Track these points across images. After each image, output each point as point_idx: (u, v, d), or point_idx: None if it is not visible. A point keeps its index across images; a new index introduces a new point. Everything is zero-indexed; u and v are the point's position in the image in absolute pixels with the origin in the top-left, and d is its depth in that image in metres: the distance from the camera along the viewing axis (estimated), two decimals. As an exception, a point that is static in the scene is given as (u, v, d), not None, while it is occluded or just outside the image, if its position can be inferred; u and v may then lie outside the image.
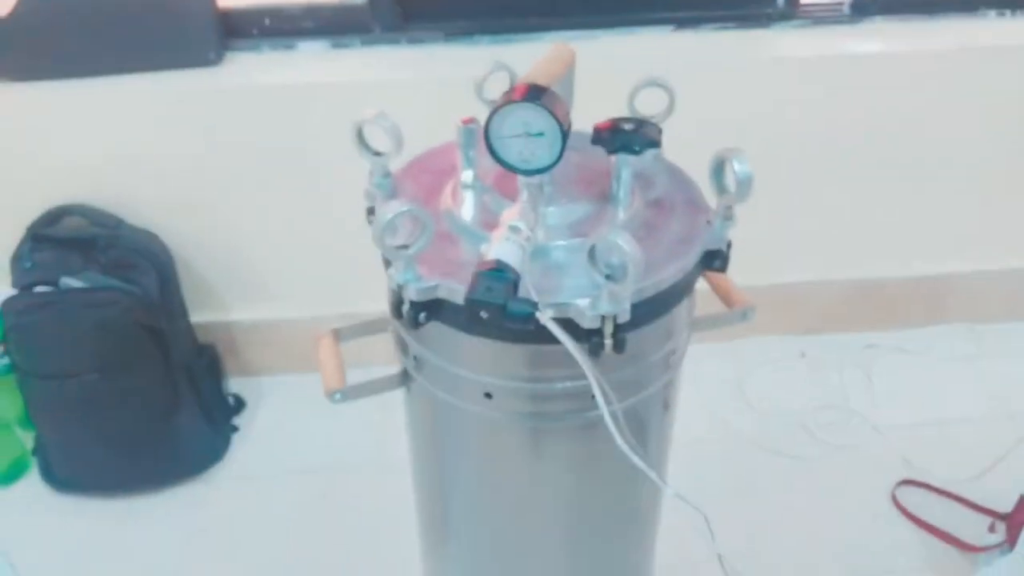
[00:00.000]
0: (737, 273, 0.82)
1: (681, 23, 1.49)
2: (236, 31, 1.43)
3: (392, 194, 0.76)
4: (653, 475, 0.64)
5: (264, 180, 1.49)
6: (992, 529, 1.34)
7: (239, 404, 1.61)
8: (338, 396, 0.75)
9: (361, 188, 0.78)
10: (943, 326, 1.77)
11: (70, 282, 1.37)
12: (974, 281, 1.75)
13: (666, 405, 0.81)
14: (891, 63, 1.48)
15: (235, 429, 1.57)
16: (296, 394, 1.62)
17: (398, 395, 0.83)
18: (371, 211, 0.78)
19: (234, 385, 1.64)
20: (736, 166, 0.66)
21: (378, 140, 0.75)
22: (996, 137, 1.57)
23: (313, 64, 1.45)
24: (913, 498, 1.42)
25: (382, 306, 0.82)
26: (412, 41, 1.46)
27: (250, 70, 1.43)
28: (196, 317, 1.56)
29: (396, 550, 1.13)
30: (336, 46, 1.46)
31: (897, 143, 1.56)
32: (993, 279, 1.75)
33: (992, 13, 1.53)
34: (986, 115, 1.55)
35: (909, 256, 1.70)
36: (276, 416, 1.60)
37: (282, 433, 1.56)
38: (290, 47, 1.45)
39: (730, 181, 0.68)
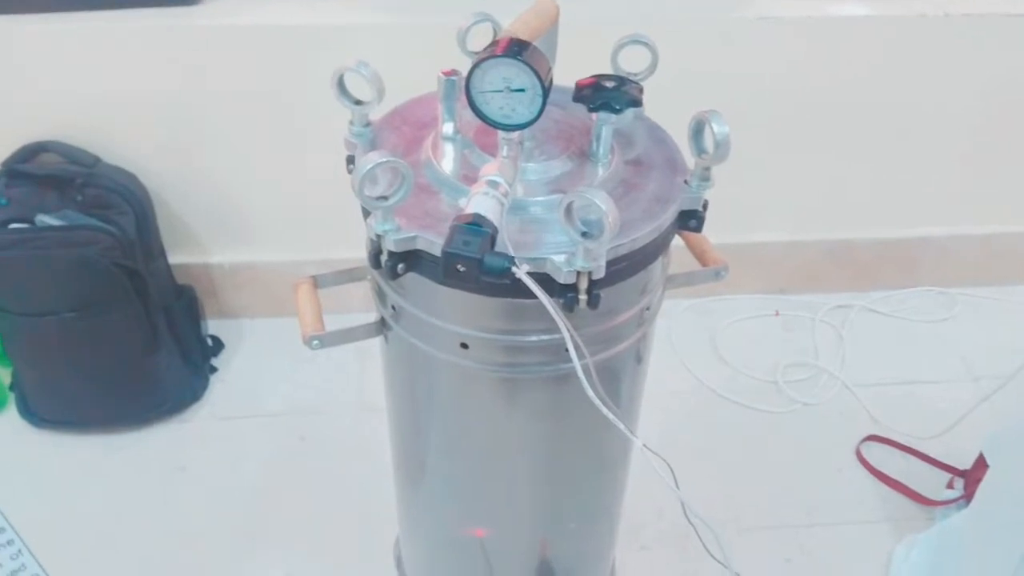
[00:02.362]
0: (714, 232, 0.83)
1: (669, -23, 1.48)
2: (217, -32, 1.40)
3: (372, 144, 0.76)
4: (622, 426, 0.66)
5: (244, 122, 1.47)
6: (951, 485, 1.40)
7: (217, 345, 1.62)
8: (316, 342, 0.76)
9: (341, 131, 0.78)
10: (915, 289, 1.81)
11: (46, 219, 1.36)
12: (946, 245, 1.78)
13: (639, 359, 0.83)
14: (874, 26, 1.48)
15: (214, 370, 1.58)
16: (274, 337, 1.64)
17: (375, 341, 0.85)
18: (351, 160, 0.78)
19: (212, 327, 1.64)
20: (715, 127, 0.66)
21: (359, 88, 0.75)
22: (972, 104, 1.59)
23: (295, 6, 1.42)
24: (877, 453, 1.47)
25: (361, 253, 0.82)
26: (397, -15, 1.44)
27: (231, 10, 1.40)
28: (174, 258, 1.55)
29: (372, 490, 1.16)
30: (320, -13, 1.44)
31: (874, 108, 1.56)
32: (965, 244, 1.78)
33: (977, -22, 1.53)
34: (963, 82, 1.56)
35: (883, 219, 1.73)
36: (254, 358, 1.62)
37: (260, 375, 1.58)
38: (273, -13, 1.43)
39: (708, 142, 0.68)
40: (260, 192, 1.56)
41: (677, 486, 0.70)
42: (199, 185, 1.53)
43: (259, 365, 1.60)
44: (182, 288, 1.57)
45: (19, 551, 1.01)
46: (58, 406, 1.47)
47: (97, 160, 1.43)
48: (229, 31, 1.38)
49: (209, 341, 1.62)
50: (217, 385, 1.56)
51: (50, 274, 1.34)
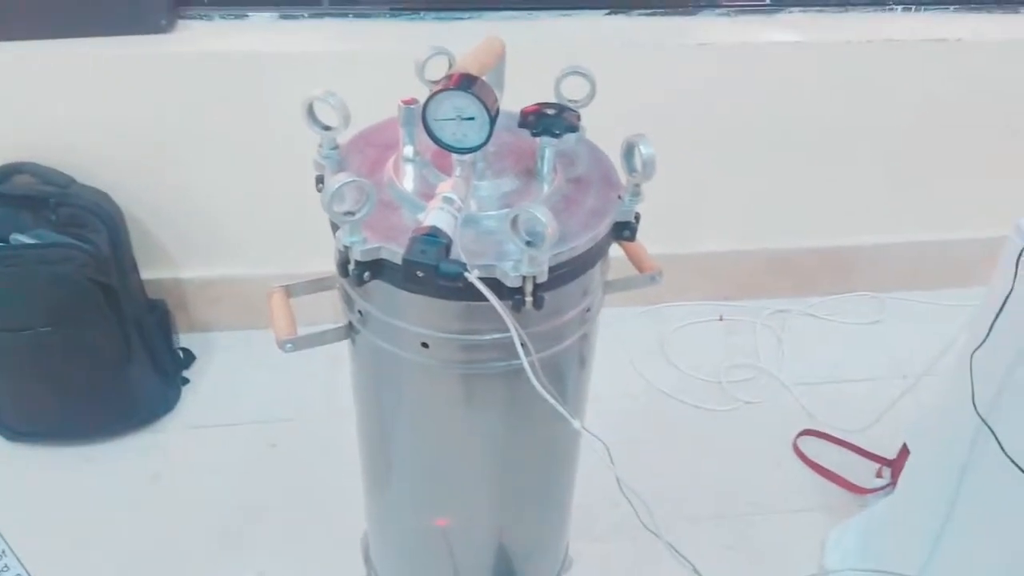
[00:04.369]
0: (661, 243, 0.92)
1: (614, 7, 1.58)
2: (187, -1, 1.47)
3: (340, 165, 0.84)
4: (563, 411, 0.74)
5: (214, 144, 1.54)
6: (879, 474, 1.50)
7: (189, 357, 1.68)
8: (289, 345, 0.83)
9: (308, 152, 0.85)
10: (849, 294, 1.93)
11: (21, 239, 1.42)
12: (878, 253, 1.90)
13: (581, 360, 0.92)
14: (805, 51, 1.60)
15: (186, 381, 1.63)
16: (245, 349, 1.70)
17: (341, 354, 0.92)
18: (320, 180, 0.85)
19: (184, 340, 1.70)
20: (642, 149, 0.76)
21: (327, 115, 0.83)
22: (898, 123, 1.71)
23: (263, 34, 1.50)
24: (812, 447, 1.57)
25: (326, 267, 0.90)
26: (359, 15, 1.52)
27: (200, 37, 1.47)
28: (146, 274, 1.61)
29: (341, 492, 1.23)
30: (284, 17, 1.51)
31: (809, 126, 1.68)
32: (895, 252, 1.91)
33: (899, 8, 1.67)
34: (890, 102, 1.68)
35: (820, 230, 1.85)
36: (226, 369, 1.67)
37: (232, 385, 1.64)
38: (241, 16, 1.50)
39: (638, 162, 0.78)
40: (229, 210, 1.62)
41: (612, 462, 0.79)
42: (170, 203, 1.59)
43: (230, 376, 1.66)
44: (154, 302, 1.62)
45: (2, 551, 1.06)
46: (32, 419, 1.51)
47: (71, 181, 1.49)
48: (200, 57, 1.45)
49: (180, 354, 1.67)
50: (189, 396, 1.61)
51: (26, 290, 1.38)
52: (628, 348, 1.75)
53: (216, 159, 1.55)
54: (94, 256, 1.41)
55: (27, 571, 1.05)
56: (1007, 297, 1.00)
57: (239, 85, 1.48)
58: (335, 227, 0.76)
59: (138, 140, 1.51)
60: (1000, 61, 1.66)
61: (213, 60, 1.46)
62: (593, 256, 0.79)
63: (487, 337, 0.80)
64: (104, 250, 1.45)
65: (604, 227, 0.79)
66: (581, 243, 0.76)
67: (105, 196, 1.52)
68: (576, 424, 0.77)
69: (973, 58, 1.65)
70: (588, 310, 0.85)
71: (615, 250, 0.86)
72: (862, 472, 1.51)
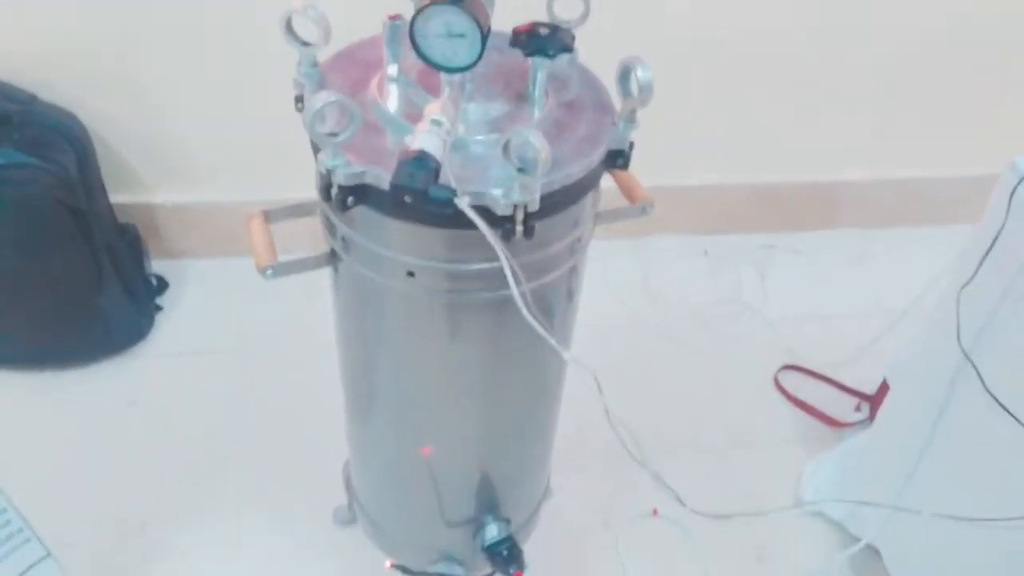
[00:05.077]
0: (646, 176, 0.89)
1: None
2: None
3: (320, 84, 0.80)
4: (552, 341, 0.73)
5: (187, 61, 1.47)
6: (858, 408, 1.52)
7: (162, 285, 1.64)
8: (269, 272, 0.80)
9: (285, 73, 0.81)
10: (835, 230, 1.92)
11: (-16, 158, 1.36)
12: (864, 189, 1.89)
13: (570, 292, 0.90)
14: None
15: (159, 308, 1.60)
16: (219, 277, 1.66)
17: (316, 283, 0.89)
18: (299, 99, 0.81)
19: (156, 267, 1.66)
20: (639, 73, 0.72)
21: (307, 30, 0.78)
22: (887, 56, 1.68)
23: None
24: (793, 381, 1.58)
25: (305, 194, 0.87)
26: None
27: (171, -55, 1.39)
28: (115, 198, 1.56)
29: (322, 420, 1.22)
30: (260, -75, 1.43)
31: (797, 58, 1.65)
32: (883, 187, 1.90)
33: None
34: (880, 33, 1.64)
35: (806, 163, 1.82)
36: (200, 297, 1.65)
37: (206, 313, 1.61)
38: (214, -77, 1.42)
39: (634, 87, 0.74)
40: (202, 132, 1.57)
41: (601, 392, 0.78)
42: (140, 124, 1.54)
43: (205, 304, 1.63)
44: (125, 227, 1.58)
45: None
46: (3, 345, 1.48)
47: (33, 97, 1.42)
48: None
49: (154, 280, 1.64)
50: (163, 323, 1.59)
51: (-9, 212, 1.34)
52: (610, 282, 1.74)
53: (189, 78, 1.49)
54: (61, 178, 1.36)
55: (0, 492, 1.03)
56: (998, 234, 0.99)
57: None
58: (316, 149, 0.72)
59: (104, 55, 1.44)
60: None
61: (185, -30, 1.39)
62: (586, 184, 0.77)
63: (474, 266, 0.77)
64: (71, 172, 1.39)
65: (598, 154, 0.76)
66: (574, 170, 0.73)
67: (71, 116, 1.46)
68: (566, 356, 0.76)
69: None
70: (578, 241, 0.83)
71: (604, 180, 0.84)
72: (842, 407, 1.52)
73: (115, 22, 1.41)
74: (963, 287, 1.03)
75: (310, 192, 0.83)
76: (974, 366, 1.03)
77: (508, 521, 1.08)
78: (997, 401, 0.99)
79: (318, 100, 0.66)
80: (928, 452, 1.14)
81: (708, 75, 1.62)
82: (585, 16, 0.82)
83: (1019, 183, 0.95)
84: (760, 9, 1.57)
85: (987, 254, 1.00)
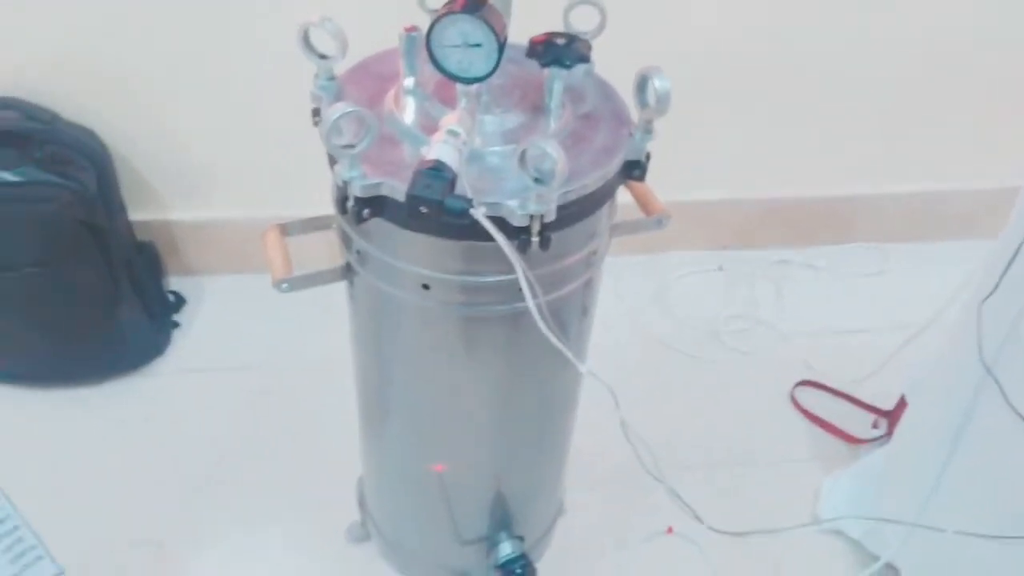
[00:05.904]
0: (661, 190, 0.89)
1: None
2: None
3: (337, 97, 0.80)
4: (569, 354, 0.72)
5: (206, 80, 1.48)
6: (875, 425, 1.50)
7: (179, 301, 1.65)
8: (285, 285, 0.80)
9: (303, 87, 0.82)
10: (851, 245, 1.90)
11: (5, 176, 1.37)
12: (880, 203, 1.87)
13: (585, 306, 0.90)
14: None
15: (176, 325, 1.61)
16: (236, 294, 1.66)
17: (333, 300, 0.89)
18: (316, 112, 0.82)
19: (174, 283, 1.67)
20: (657, 83, 0.72)
21: (324, 43, 0.79)
22: (901, 70, 1.67)
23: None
24: (809, 397, 1.56)
25: (321, 210, 0.87)
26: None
27: (189, -35, 1.41)
28: (134, 215, 1.57)
29: (336, 437, 1.22)
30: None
31: (813, 72, 1.64)
32: (898, 202, 1.88)
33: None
34: (894, 45, 1.63)
35: (821, 178, 1.81)
36: (217, 314, 1.65)
37: (223, 330, 1.61)
38: (231, -58, 1.44)
39: (651, 97, 0.74)
40: (220, 150, 1.58)
41: (618, 405, 0.77)
42: (159, 143, 1.55)
43: (222, 320, 1.63)
44: (143, 244, 1.59)
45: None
46: (21, 362, 1.48)
47: (55, 116, 1.44)
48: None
49: (171, 297, 1.64)
50: (180, 340, 1.59)
51: (11, 229, 1.34)
52: (625, 297, 1.73)
53: (206, 96, 1.50)
54: (80, 195, 1.37)
55: (15, 509, 1.04)
56: (1020, 245, 0.98)
57: (231, 15, 1.42)
58: (333, 161, 0.72)
59: (124, 75, 1.46)
60: (1003, 4, 1.62)
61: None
62: (602, 196, 0.76)
63: (490, 279, 0.77)
64: (91, 189, 1.40)
65: (615, 165, 0.76)
66: (591, 181, 0.73)
67: (91, 133, 1.48)
68: (583, 369, 0.75)
69: (976, 1, 1.60)
70: (594, 253, 0.83)
71: (620, 195, 0.83)
72: (859, 424, 1.50)
73: (135, 42, 1.43)
74: (984, 300, 1.02)
75: (327, 210, 0.83)
76: (996, 380, 1.01)
77: (522, 539, 1.07)
78: (1020, 415, 0.97)
79: (335, 111, 0.66)
80: (949, 468, 1.12)
81: (723, 89, 1.62)
82: (602, 27, 0.83)
83: (1040, 194, 0.94)
84: (775, 25, 1.57)
85: (1009, 266, 0.99)
